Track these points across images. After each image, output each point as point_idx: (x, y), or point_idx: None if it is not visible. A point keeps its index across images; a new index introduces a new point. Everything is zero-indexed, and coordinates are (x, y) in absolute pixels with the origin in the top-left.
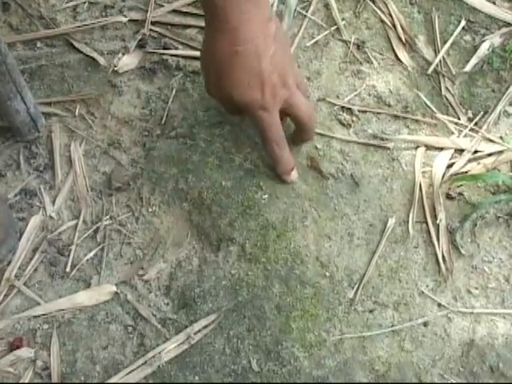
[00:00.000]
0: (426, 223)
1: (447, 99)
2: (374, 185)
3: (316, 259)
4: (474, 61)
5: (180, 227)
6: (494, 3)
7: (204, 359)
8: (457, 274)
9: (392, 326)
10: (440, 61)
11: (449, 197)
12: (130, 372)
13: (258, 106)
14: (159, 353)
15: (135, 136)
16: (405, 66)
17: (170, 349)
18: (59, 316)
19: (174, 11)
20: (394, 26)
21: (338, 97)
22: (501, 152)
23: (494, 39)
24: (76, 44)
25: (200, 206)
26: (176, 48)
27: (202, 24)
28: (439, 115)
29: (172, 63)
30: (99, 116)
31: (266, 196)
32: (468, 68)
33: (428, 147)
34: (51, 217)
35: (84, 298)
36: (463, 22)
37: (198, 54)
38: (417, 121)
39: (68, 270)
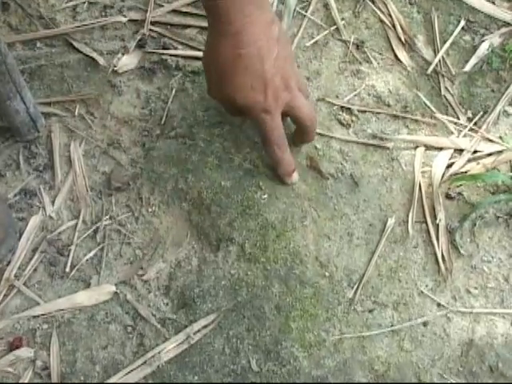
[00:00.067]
0: (426, 223)
1: (447, 99)
2: (373, 185)
3: (315, 259)
4: (473, 61)
5: (179, 227)
6: (494, 3)
7: (203, 359)
8: (456, 273)
9: (391, 325)
10: (439, 61)
11: (448, 197)
12: (129, 372)
13: (261, 109)
14: (159, 353)
15: (135, 136)
16: (404, 66)
17: (170, 349)
18: (59, 316)
19: (174, 11)
20: (394, 25)
21: (337, 97)
22: (500, 152)
23: (494, 39)
24: (76, 44)
25: (199, 205)
26: (175, 48)
27: (202, 24)
28: (439, 115)
29: (171, 63)
30: (99, 116)
31: (266, 196)
32: (467, 68)
33: (427, 147)
34: (51, 217)
35: (84, 297)
36: (463, 22)
37: (197, 54)
38: (416, 121)
39: (68, 269)
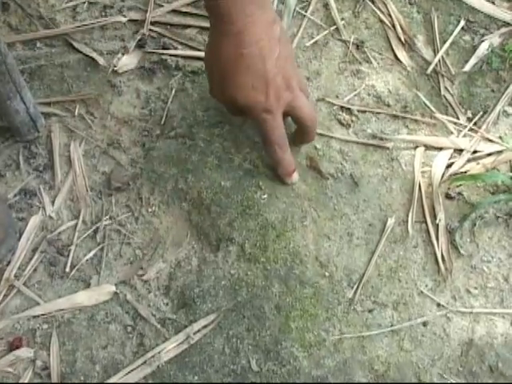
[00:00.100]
0: (426, 223)
1: (446, 99)
2: (373, 185)
3: (315, 259)
4: (473, 61)
5: (179, 227)
6: (493, 3)
7: (203, 359)
8: (456, 273)
9: (391, 325)
10: (439, 61)
11: (448, 196)
12: (129, 372)
13: (262, 109)
14: (159, 353)
15: (135, 136)
16: (404, 66)
17: (170, 349)
18: (59, 316)
19: (174, 11)
20: (394, 25)
21: (337, 97)
22: (500, 152)
23: (493, 39)
24: (75, 44)
25: (199, 205)
26: (175, 48)
27: (202, 24)
28: (438, 115)
29: (171, 63)
30: (99, 116)
31: (266, 196)
32: (467, 68)
33: (427, 147)
34: (51, 217)
35: (83, 297)
36: (462, 22)
37: (197, 54)
38: (416, 121)
39: (68, 269)
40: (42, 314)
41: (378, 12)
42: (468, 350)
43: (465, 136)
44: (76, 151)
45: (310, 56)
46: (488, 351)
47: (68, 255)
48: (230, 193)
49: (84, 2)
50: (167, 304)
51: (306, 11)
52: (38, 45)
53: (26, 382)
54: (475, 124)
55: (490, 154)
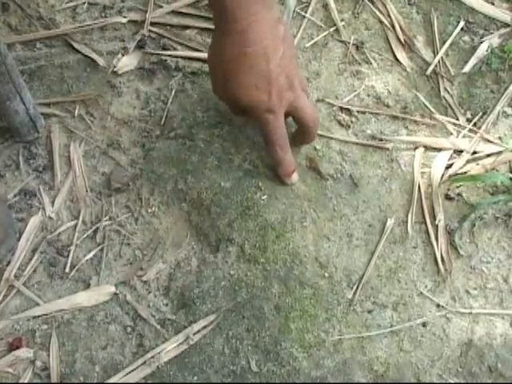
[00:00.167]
0: (425, 224)
1: (446, 100)
2: (372, 185)
3: (315, 260)
4: (472, 61)
5: (179, 228)
6: (493, 4)
7: (203, 359)
8: (455, 274)
9: (391, 326)
10: (439, 61)
11: (448, 197)
12: (129, 372)
13: (265, 108)
14: (158, 353)
15: (134, 137)
16: (404, 67)
17: (169, 349)
18: (58, 316)
19: (173, 12)
20: (393, 26)
21: (336, 97)
22: (499, 152)
23: (493, 40)
24: (75, 45)
25: (199, 206)
26: (175, 49)
27: (202, 25)
28: (438, 116)
29: (171, 64)
30: (98, 117)
31: (265, 197)
32: (467, 69)
33: (427, 148)
34: (50, 217)
35: (83, 298)
36: (462, 23)
37: (197, 54)
38: (415, 121)
39: (67, 270)
40: (42, 315)
41: (378, 13)
42: (467, 351)
43: (464, 137)
44: (76, 152)
45: (310, 57)
46: (487, 352)
47: (68, 256)
48: (230, 193)
49: (84, 3)
50: (167, 304)
51: (305, 12)
52: (38, 45)
53: (26, 382)
54: (475, 125)
55: (489, 155)
